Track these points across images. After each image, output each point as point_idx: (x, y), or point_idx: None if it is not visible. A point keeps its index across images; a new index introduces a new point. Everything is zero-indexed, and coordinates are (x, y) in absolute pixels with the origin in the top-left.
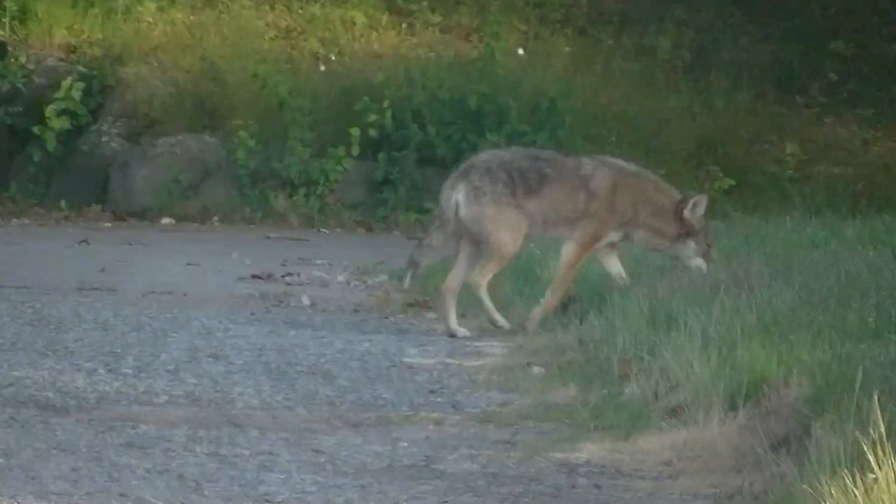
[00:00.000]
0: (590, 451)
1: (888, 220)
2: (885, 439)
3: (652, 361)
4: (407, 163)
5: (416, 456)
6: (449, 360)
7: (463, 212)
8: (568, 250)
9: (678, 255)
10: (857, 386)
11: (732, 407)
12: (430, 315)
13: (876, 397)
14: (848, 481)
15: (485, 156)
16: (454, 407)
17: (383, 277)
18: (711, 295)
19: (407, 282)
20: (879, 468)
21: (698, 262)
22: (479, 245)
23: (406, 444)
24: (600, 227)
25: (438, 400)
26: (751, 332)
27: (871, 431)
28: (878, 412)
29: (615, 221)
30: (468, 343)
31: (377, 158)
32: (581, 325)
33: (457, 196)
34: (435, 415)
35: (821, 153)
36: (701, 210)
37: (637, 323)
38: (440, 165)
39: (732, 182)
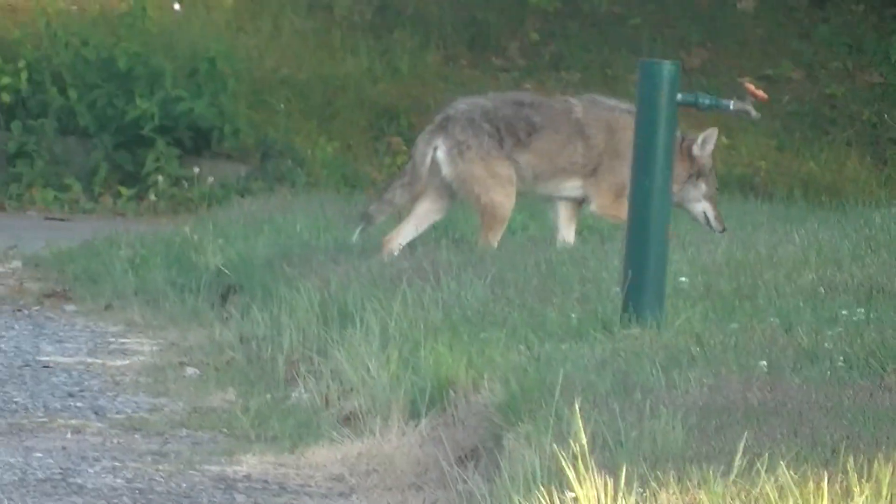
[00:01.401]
0: (250, 464)
1: None
2: (587, 453)
3: (323, 363)
4: (45, 132)
5: (52, 468)
6: (91, 359)
7: (446, 171)
8: (604, 211)
9: (685, 200)
10: (557, 392)
11: (414, 415)
12: (71, 307)
13: (577, 405)
14: (544, 501)
15: (462, 105)
16: (96, 413)
17: (17, 263)
18: (392, 287)
19: (356, 237)
20: (580, 486)
21: (706, 206)
22: (451, 205)
23: (40, 455)
24: (617, 175)
25: (78, 405)
26: (436, 331)
27: (572, 444)
28: (580, 422)
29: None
30: (112, 339)
31: (10, 127)
32: (243, 320)
33: (436, 153)
34: (74, 421)
35: None
36: (710, 146)
37: (306, 318)
38: (82, 135)
39: None
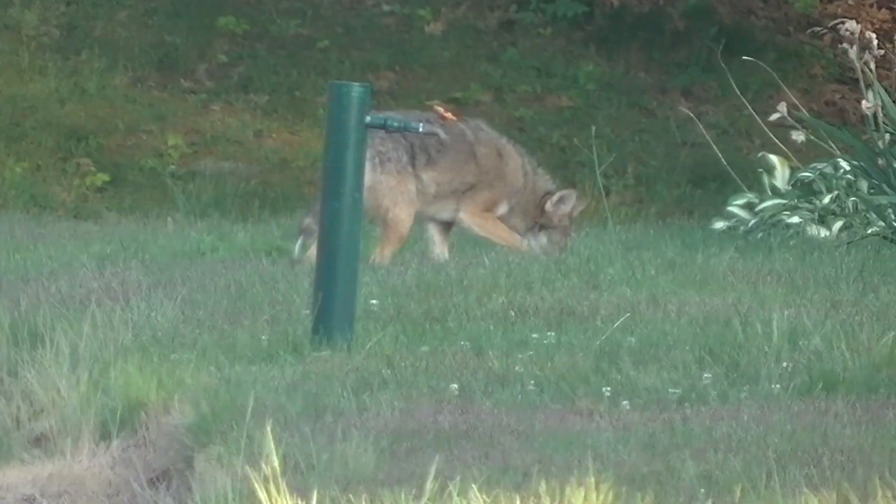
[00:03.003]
0: None
1: (284, 224)
2: (278, 475)
3: (13, 383)
4: None
5: None
6: None
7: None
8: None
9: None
10: (249, 414)
11: (105, 436)
12: None
13: (269, 427)
14: None
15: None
16: None
17: None
18: (82, 307)
19: (297, 252)
20: None
21: (539, 253)
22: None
23: None
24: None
25: None
26: (126, 351)
27: (264, 466)
28: (272, 444)
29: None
30: None
31: None
32: None
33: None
34: None
35: (208, 146)
36: (565, 207)
37: None
38: None
39: (106, 178)
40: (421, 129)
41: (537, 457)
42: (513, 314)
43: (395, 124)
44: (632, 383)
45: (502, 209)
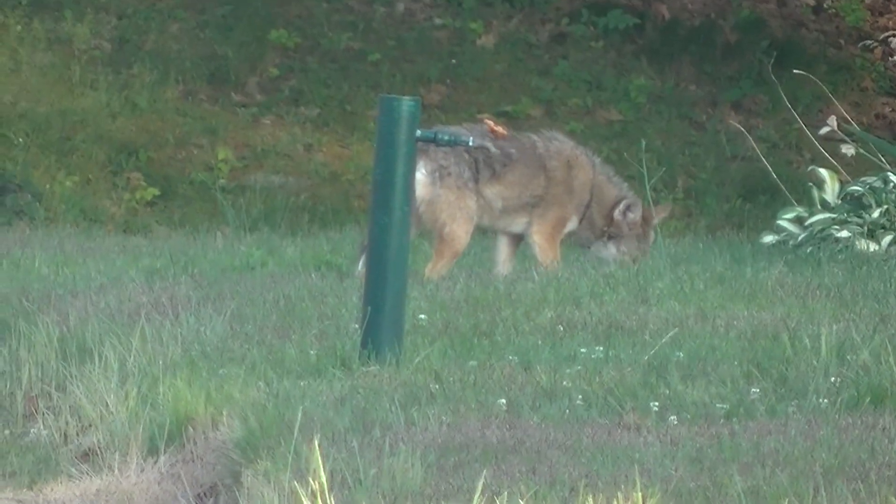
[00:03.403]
0: None
1: (333, 238)
2: (326, 491)
3: (62, 398)
4: None
5: None
6: None
7: (420, 192)
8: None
9: (596, 255)
10: (296, 429)
11: (153, 452)
12: None
13: (317, 442)
14: None
15: (449, 130)
16: None
17: None
18: (131, 322)
19: (359, 267)
20: None
21: (613, 267)
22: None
23: None
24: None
25: None
26: (175, 366)
27: (311, 481)
28: (319, 459)
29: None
30: None
31: None
32: None
33: (417, 174)
34: None
35: (258, 160)
36: (632, 216)
37: (45, 354)
38: None
39: (156, 192)
40: (471, 143)
41: (584, 471)
42: (561, 329)
43: (446, 138)
44: (679, 398)
45: (572, 225)
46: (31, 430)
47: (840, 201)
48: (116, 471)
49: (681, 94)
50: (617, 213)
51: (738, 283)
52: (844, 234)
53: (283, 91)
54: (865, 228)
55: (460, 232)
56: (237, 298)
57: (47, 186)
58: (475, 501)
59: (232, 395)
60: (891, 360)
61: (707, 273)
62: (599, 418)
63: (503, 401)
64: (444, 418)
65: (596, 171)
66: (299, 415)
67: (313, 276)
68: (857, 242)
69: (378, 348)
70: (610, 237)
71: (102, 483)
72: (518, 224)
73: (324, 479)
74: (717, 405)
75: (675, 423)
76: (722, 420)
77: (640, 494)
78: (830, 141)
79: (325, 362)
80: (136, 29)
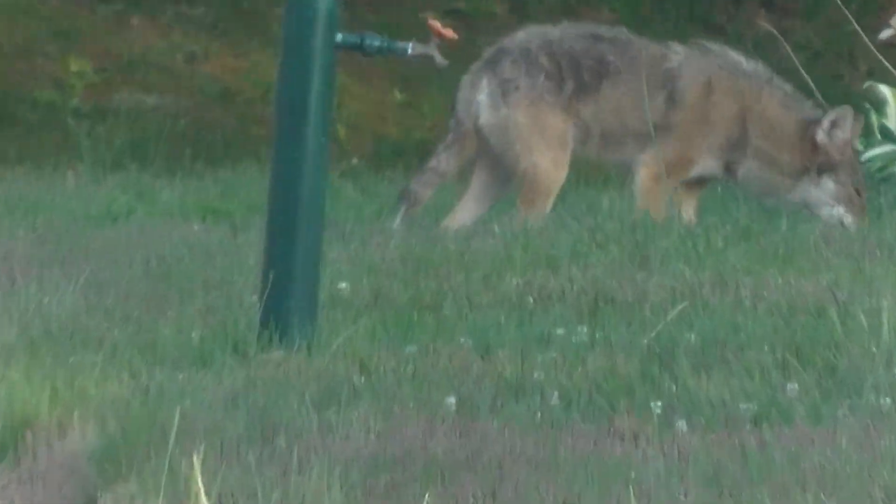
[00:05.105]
0: None
1: (224, 178)
2: None
3: None
4: None
5: None
6: None
7: (483, 118)
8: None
9: (805, 202)
10: (173, 437)
11: None
12: None
13: (199, 455)
14: None
15: (522, 35)
16: None
17: None
18: None
19: (397, 221)
20: None
21: (839, 211)
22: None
23: None
24: (687, 148)
25: None
26: (9, 352)
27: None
28: (199, 477)
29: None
30: None
31: None
32: None
33: (479, 96)
34: None
35: (123, 73)
36: (843, 133)
37: None
38: None
39: None
40: (409, 52)
41: (563, 495)
42: (531, 301)
43: (377, 44)
44: (691, 396)
45: (703, 169)
46: None
47: None
48: None
49: None
50: (820, 135)
51: (770, 240)
52: None
53: None
54: None
55: (545, 163)
56: (94, 259)
57: None
58: None
59: (86, 391)
60: None
61: (728, 226)
62: (582, 423)
63: (452, 399)
64: (372, 423)
65: (753, 97)
66: (177, 418)
67: (196, 228)
68: None
69: (284, 328)
70: (820, 170)
71: None
72: (630, 159)
73: (204, 501)
74: (742, 406)
75: (685, 429)
76: (748, 426)
77: None
78: (894, 48)
79: (211, 346)
80: None
